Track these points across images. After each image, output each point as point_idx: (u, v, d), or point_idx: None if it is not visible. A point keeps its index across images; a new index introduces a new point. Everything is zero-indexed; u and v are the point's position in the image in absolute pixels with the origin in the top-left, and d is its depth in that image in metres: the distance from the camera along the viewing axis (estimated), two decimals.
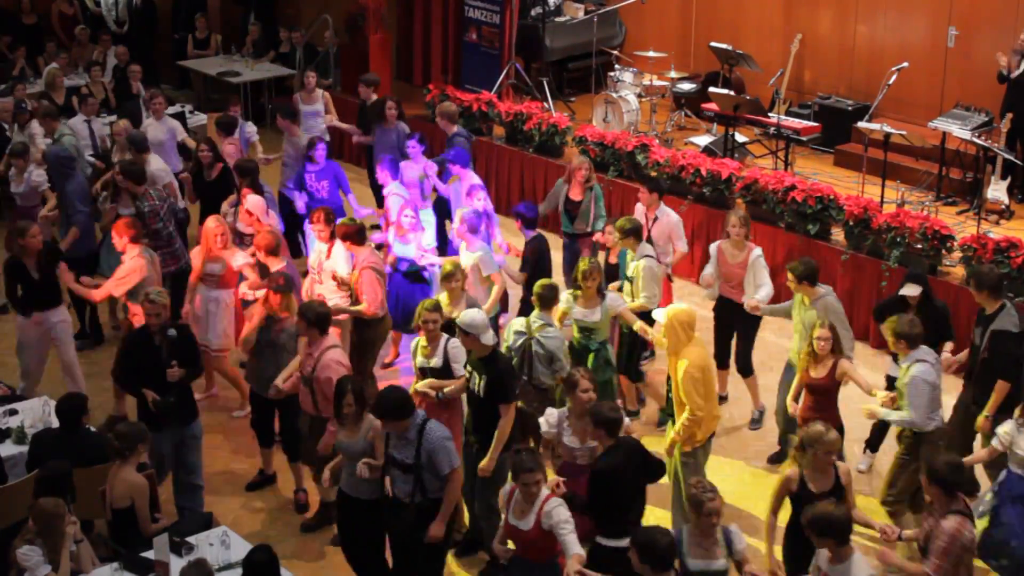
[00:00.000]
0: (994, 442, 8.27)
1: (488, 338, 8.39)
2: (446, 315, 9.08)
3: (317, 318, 8.74)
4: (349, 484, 8.05)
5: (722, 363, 10.55)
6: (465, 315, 8.41)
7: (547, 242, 11.07)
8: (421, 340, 8.95)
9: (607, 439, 7.53)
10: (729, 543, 6.88)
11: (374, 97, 14.10)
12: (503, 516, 7.43)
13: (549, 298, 9.31)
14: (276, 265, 10.04)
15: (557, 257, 11.57)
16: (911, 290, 9.34)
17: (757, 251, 10.19)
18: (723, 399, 10.69)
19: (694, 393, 8.45)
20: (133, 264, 10.13)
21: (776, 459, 10.01)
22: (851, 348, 9.48)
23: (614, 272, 10.64)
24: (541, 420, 8.21)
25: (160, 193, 11.41)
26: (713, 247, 10.43)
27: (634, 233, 10.29)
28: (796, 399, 9.05)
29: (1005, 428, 8.18)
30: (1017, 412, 8.13)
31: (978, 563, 8.44)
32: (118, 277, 10.17)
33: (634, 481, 7.54)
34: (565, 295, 9.71)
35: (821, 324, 8.83)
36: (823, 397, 8.81)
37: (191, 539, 7.73)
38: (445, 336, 8.87)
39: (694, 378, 8.47)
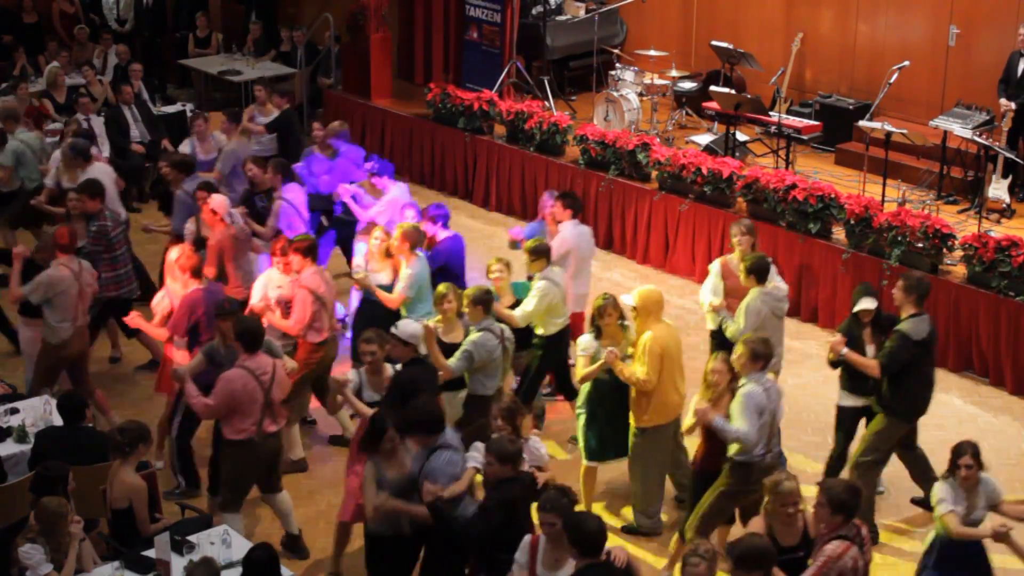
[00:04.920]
0: (942, 508, 7.50)
1: (424, 348, 8.43)
2: (446, 341, 8.99)
3: (240, 334, 8.50)
4: (387, 523, 7.58)
5: None
6: (406, 325, 8.34)
7: (463, 244, 10.89)
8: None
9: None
10: None
11: (286, 106, 14.04)
12: (525, 571, 6.85)
13: (488, 302, 9.05)
14: (192, 286, 9.60)
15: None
16: (868, 303, 8.95)
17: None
18: None
19: (647, 364, 8.58)
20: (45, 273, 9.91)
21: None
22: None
23: None
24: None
25: (114, 213, 11.11)
26: (715, 264, 9.97)
27: (544, 254, 9.91)
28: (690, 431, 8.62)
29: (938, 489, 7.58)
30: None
31: None
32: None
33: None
34: (586, 339, 9.02)
35: (714, 354, 8.43)
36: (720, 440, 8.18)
37: (192, 538, 7.72)
38: (389, 367, 8.60)
39: (652, 351, 8.58)
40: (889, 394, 8.89)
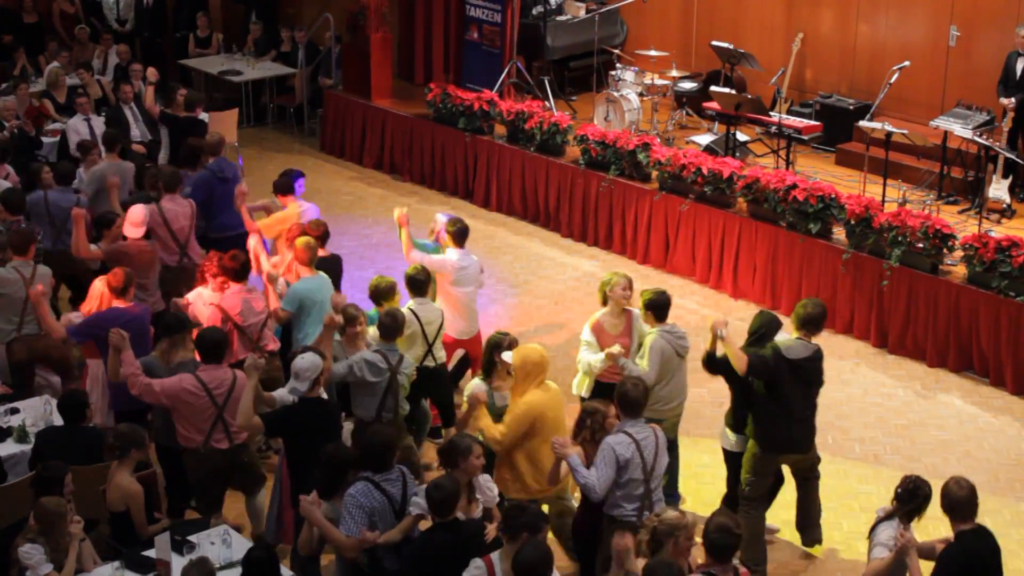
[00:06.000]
0: (875, 552, 6.93)
1: (291, 384, 7.97)
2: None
3: (197, 343, 8.47)
4: (346, 568, 7.38)
5: None
6: (300, 360, 7.93)
7: (341, 264, 10.62)
8: None
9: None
10: None
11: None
12: None
13: (393, 328, 8.72)
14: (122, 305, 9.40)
15: None
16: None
17: (636, 312, 9.11)
18: None
19: (508, 426, 7.84)
20: None
21: None
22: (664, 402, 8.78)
23: None
24: None
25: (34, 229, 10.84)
26: (586, 328, 9.07)
27: (411, 286, 9.60)
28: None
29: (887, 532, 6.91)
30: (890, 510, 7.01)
31: None
32: None
33: None
34: (474, 383, 8.40)
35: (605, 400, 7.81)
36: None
37: (192, 538, 7.74)
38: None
39: (520, 416, 7.84)
40: (751, 416, 8.45)
